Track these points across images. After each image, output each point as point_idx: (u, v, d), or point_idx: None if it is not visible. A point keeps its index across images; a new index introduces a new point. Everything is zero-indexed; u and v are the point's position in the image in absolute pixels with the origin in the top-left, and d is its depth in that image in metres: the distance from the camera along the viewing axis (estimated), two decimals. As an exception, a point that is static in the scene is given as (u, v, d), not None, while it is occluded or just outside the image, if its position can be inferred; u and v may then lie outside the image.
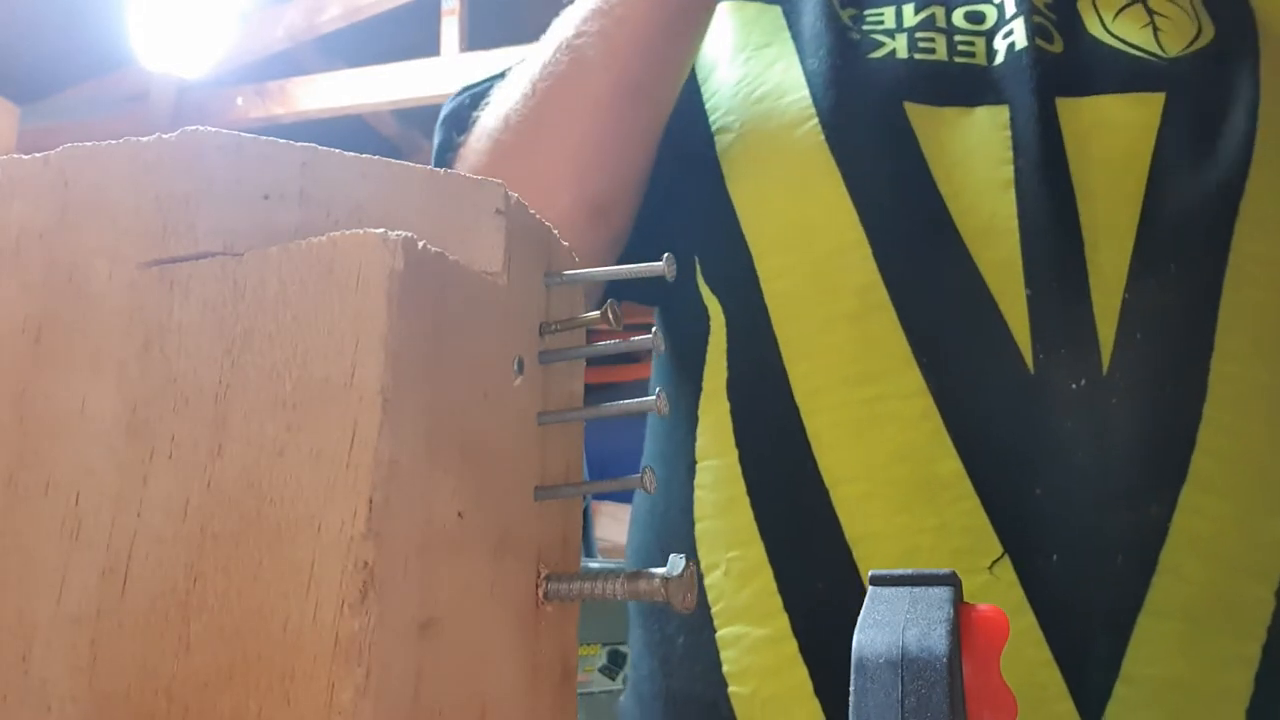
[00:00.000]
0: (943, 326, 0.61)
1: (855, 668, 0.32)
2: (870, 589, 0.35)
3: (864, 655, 0.32)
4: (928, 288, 0.62)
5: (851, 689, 0.32)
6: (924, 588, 0.34)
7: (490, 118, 0.68)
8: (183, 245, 0.27)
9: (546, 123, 0.66)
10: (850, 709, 0.32)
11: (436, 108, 0.78)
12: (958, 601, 0.34)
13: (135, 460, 0.26)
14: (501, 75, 0.73)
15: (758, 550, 0.62)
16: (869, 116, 0.66)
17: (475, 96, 0.73)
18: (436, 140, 0.74)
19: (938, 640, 0.32)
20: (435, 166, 0.77)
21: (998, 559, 0.57)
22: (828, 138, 0.65)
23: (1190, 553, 0.57)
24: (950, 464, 0.59)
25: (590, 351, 0.33)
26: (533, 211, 0.31)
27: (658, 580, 0.29)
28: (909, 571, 0.35)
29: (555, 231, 0.33)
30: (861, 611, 0.34)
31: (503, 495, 0.29)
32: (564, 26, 0.67)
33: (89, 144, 0.28)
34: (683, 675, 0.65)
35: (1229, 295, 0.61)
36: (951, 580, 0.34)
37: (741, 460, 0.64)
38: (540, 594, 0.31)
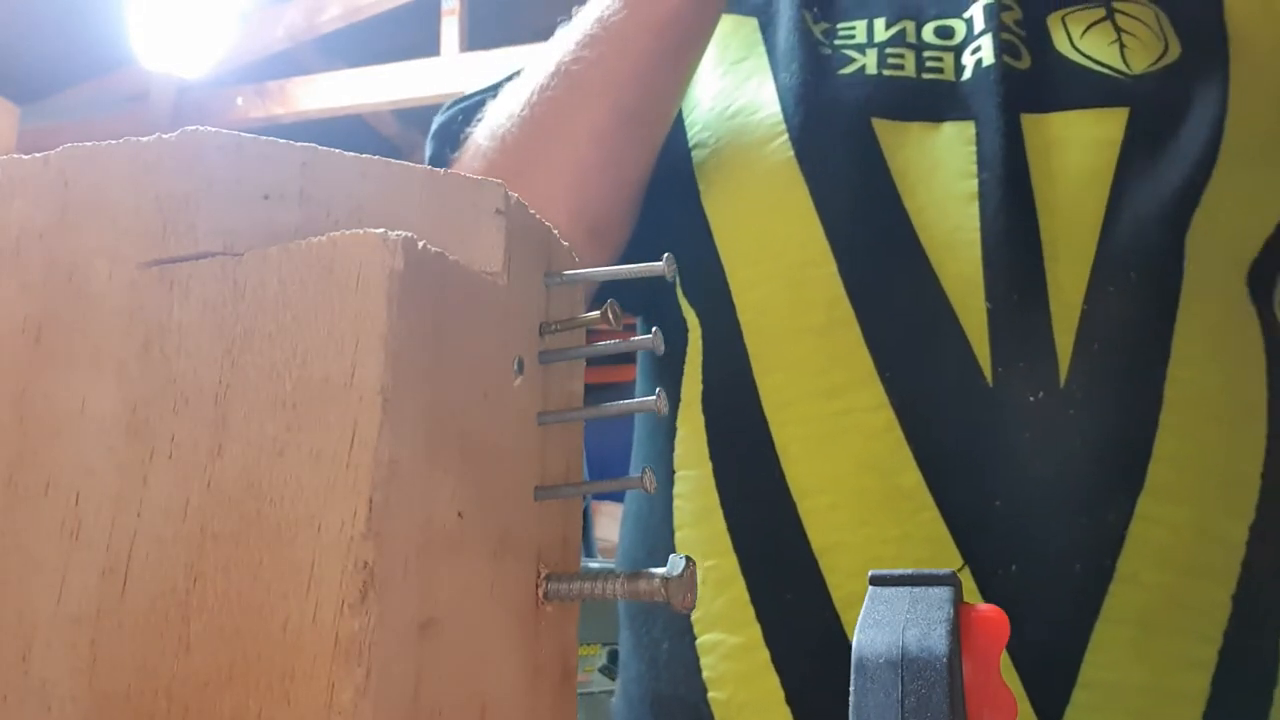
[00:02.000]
0: (905, 340, 0.62)
1: (855, 668, 0.32)
2: (870, 589, 0.35)
3: (864, 655, 0.32)
4: (891, 301, 0.63)
5: (851, 689, 0.32)
6: (924, 588, 0.34)
7: (484, 137, 0.69)
8: (183, 245, 0.27)
9: (542, 148, 0.66)
10: (850, 709, 0.32)
11: (436, 108, 0.78)
12: (958, 601, 0.34)
13: (135, 460, 0.26)
14: (493, 89, 0.73)
15: (731, 561, 0.63)
16: (837, 132, 0.66)
17: (467, 111, 0.73)
18: (428, 153, 0.75)
19: (938, 640, 0.32)
20: None
21: (957, 570, 0.58)
22: (797, 153, 0.66)
23: (1147, 560, 0.58)
24: (911, 476, 0.59)
25: (590, 351, 0.33)
26: (532, 212, 0.31)
27: (657, 580, 0.29)
28: (909, 571, 0.35)
29: (555, 231, 0.33)
30: (862, 611, 0.34)
31: (503, 495, 0.29)
32: (560, 49, 0.67)
33: (89, 144, 0.28)
34: (667, 678, 0.66)
35: (1186, 304, 0.61)
36: (951, 580, 0.34)
37: (715, 472, 0.65)
38: (540, 594, 0.31)
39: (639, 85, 0.66)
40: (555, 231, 0.33)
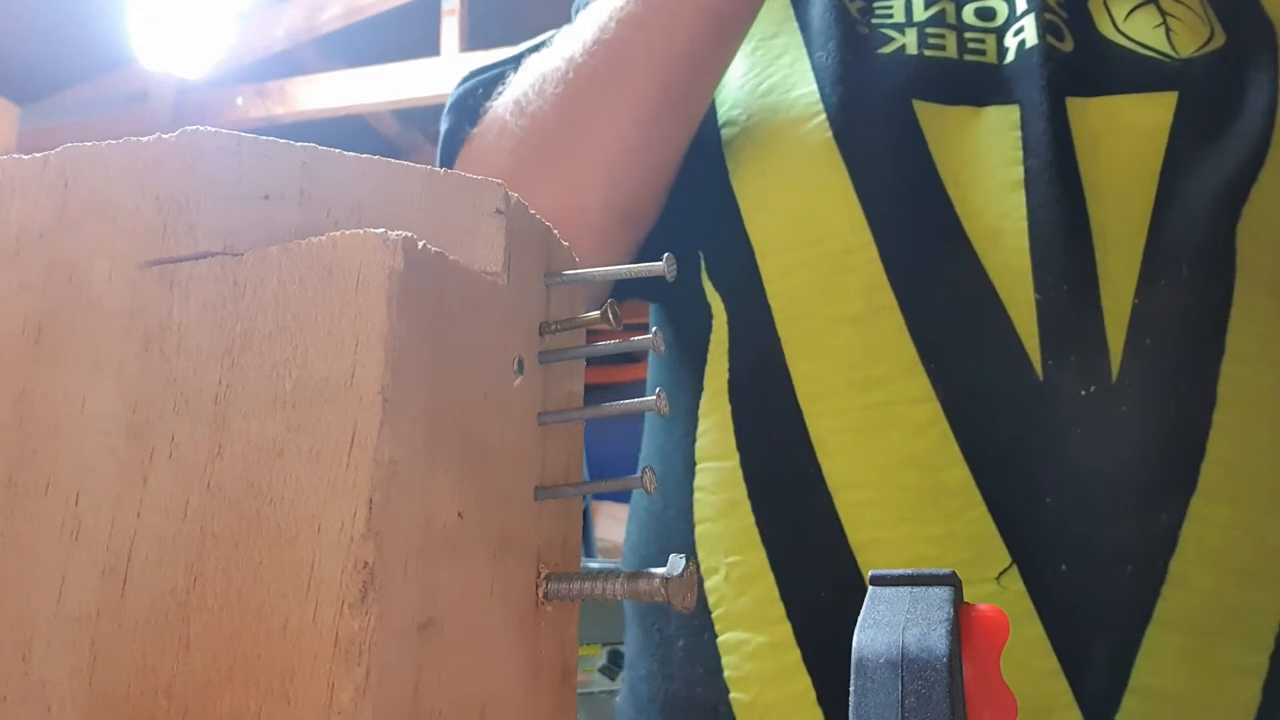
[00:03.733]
0: (950, 331, 0.60)
1: (855, 668, 0.32)
2: (870, 589, 0.35)
3: (864, 655, 0.32)
4: (935, 291, 0.61)
5: (851, 689, 0.32)
6: (924, 588, 0.34)
7: (510, 112, 0.66)
8: (183, 245, 0.27)
9: (579, 127, 0.64)
10: (850, 709, 0.32)
11: (436, 108, 0.77)
12: (958, 601, 0.34)
13: (135, 460, 0.26)
14: (514, 61, 0.70)
15: (759, 555, 0.61)
16: (877, 114, 0.64)
17: (487, 83, 0.70)
18: (445, 126, 0.72)
19: (938, 640, 0.32)
20: (443, 153, 0.74)
21: (1006, 569, 0.56)
22: (835, 134, 0.64)
23: (1198, 562, 0.56)
24: (958, 472, 0.58)
25: (590, 351, 0.33)
26: (532, 212, 0.31)
27: (658, 580, 0.29)
28: (909, 571, 0.35)
29: (555, 231, 0.33)
30: (861, 611, 0.34)
31: (503, 495, 0.29)
32: (596, 23, 0.64)
33: (89, 144, 0.28)
34: (683, 678, 0.64)
35: (1240, 298, 0.60)
36: (951, 580, 0.34)
37: (743, 463, 0.63)
38: (540, 594, 0.31)
39: (684, 66, 0.63)
40: (555, 232, 0.33)
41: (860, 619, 0.34)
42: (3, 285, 0.28)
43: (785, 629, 0.60)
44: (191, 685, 0.24)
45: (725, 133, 0.69)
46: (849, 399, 0.61)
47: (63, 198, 0.28)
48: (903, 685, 0.31)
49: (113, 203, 0.27)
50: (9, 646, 0.26)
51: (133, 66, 3.20)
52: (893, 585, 0.35)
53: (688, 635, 0.64)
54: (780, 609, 0.60)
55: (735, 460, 0.64)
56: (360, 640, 0.23)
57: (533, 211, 0.31)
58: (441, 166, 0.69)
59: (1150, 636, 0.55)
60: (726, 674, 0.61)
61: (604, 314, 0.31)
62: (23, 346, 0.28)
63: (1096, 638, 0.56)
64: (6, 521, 0.27)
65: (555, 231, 0.33)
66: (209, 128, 0.27)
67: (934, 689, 0.31)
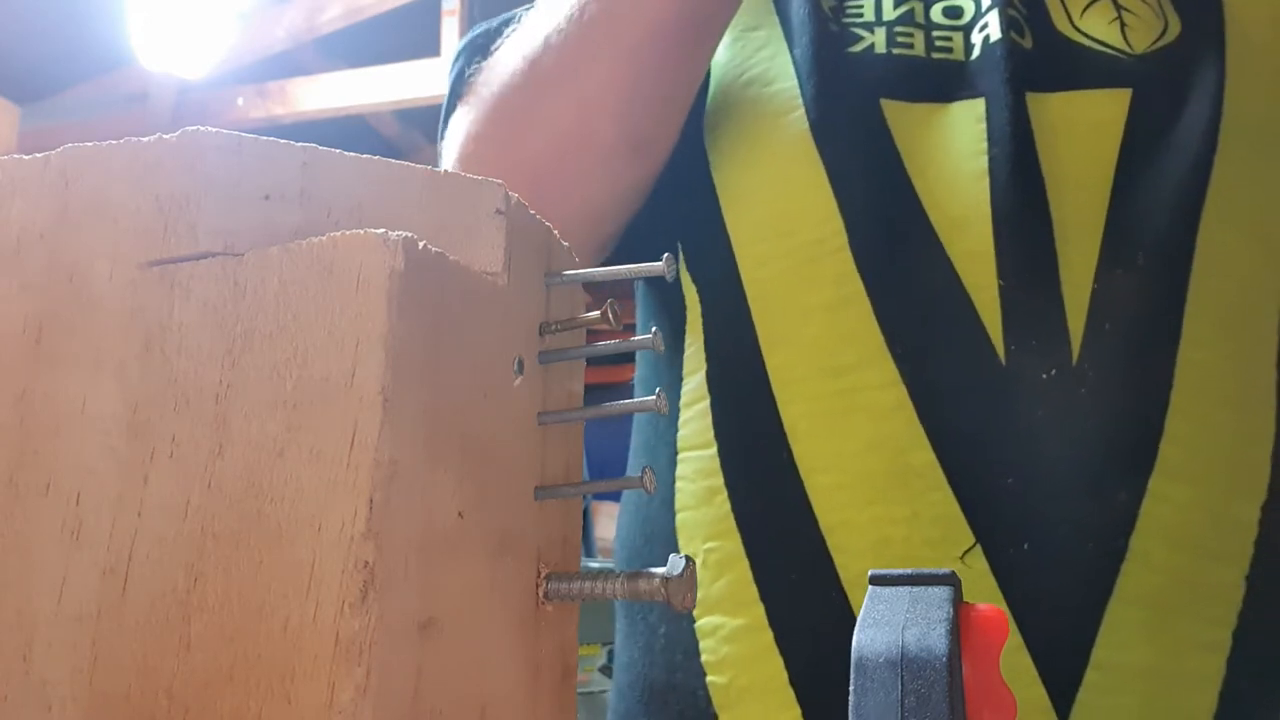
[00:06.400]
0: (916, 318, 0.61)
1: (855, 667, 0.32)
2: (870, 589, 0.35)
3: (864, 655, 0.32)
4: (902, 280, 0.62)
5: (851, 689, 0.32)
6: (924, 588, 0.34)
7: (525, 41, 0.66)
8: (183, 245, 0.27)
9: (596, 52, 0.64)
10: (850, 709, 0.32)
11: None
12: (957, 601, 0.34)
13: (136, 460, 0.26)
14: (528, 6, 0.70)
15: (734, 541, 0.62)
16: (848, 111, 0.66)
17: (500, 25, 0.71)
18: (454, 71, 0.72)
19: (938, 640, 0.32)
20: (451, 96, 0.75)
21: (969, 548, 0.57)
22: (812, 128, 0.65)
23: (1158, 540, 0.57)
24: (923, 454, 0.59)
25: (590, 351, 0.33)
26: (532, 212, 0.31)
27: (658, 580, 0.29)
28: (909, 571, 0.35)
29: (555, 231, 0.33)
30: (861, 611, 0.34)
31: (503, 495, 0.29)
32: None
33: (89, 144, 0.28)
34: (663, 664, 0.65)
35: (1196, 284, 0.61)
36: (951, 580, 0.34)
37: (720, 452, 0.64)
38: (540, 594, 0.31)
39: None
40: (555, 232, 0.33)
41: (860, 618, 0.34)
42: (3, 285, 0.28)
43: (759, 611, 0.61)
44: (192, 685, 0.24)
45: (707, 122, 0.70)
46: (819, 386, 0.62)
47: (63, 198, 0.28)
48: (902, 685, 0.31)
49: (113, 203, 0.27)
50: (9, 646, 0.26)
51: (133, 66, 3.20)
52: (893, 585, 0.35)
53: (669, 622, 0.65)
54: (754, 592, 0.61)
55: (713, 449, 0.65)
56: (360, 640, 0.23)
57: (533, 211, 0.31)
58: (449, 106, 0.70)
59: (1111, 612, 0.56)
60: (704, 658, 0.62)
61: (604, 314, 0.31)
62: (23, 346, 0.28)
63: (1059, 615, 0.57)
64: (7, 521, 0.27)
65: (555, 231, 0.33)
66: (209, 128, 0.27)
67: (934, 689, 0.31)
